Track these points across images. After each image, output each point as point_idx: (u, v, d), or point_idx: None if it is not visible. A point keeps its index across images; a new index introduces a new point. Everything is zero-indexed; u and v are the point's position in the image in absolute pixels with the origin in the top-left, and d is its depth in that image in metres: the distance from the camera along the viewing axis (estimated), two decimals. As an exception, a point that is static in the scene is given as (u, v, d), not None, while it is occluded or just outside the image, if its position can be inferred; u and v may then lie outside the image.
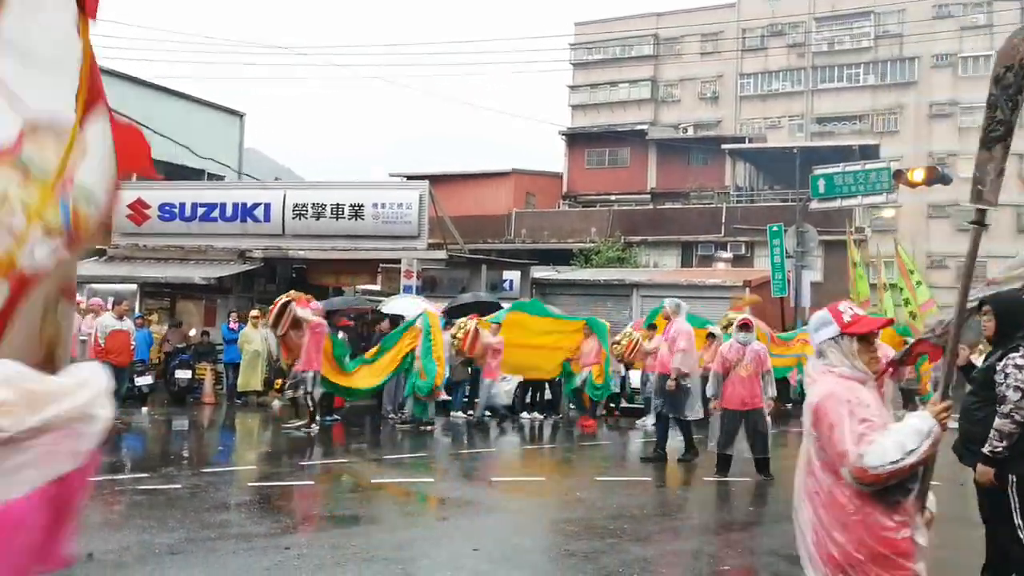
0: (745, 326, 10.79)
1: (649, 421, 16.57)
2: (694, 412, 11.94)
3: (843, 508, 3.23)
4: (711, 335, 16.83)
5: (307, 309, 14.00)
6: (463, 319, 16.34)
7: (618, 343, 17.54)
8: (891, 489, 3.18)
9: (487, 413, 16.80)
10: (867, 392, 3.32)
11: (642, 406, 17.34)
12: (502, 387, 17.64)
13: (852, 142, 41.49)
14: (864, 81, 52.45)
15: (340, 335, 15.89)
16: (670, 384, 11.58)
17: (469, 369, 17.02)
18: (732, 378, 10.51)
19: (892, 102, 51.51)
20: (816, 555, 3.37)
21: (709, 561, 6.56)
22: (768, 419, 10.67)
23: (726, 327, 16.64)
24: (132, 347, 14.87)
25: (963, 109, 49.90)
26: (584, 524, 7.81)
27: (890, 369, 7.49)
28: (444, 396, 16.44)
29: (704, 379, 14.65)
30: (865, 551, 3.19)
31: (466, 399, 17.11)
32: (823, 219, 29.98)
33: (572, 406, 17.15)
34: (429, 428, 14.66)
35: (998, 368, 5.24)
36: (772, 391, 11.16)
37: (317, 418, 13.87)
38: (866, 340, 3.42)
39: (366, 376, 15.13)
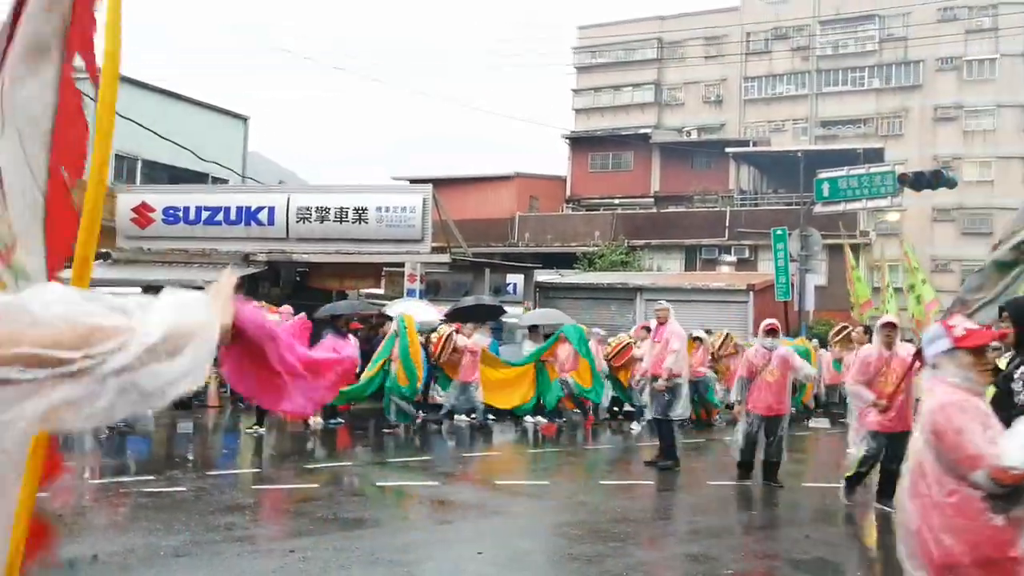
0: (772, 331, 10.57)
1: (635, 425, 16.60)
2: (679, 413, 11.89)
3: (957, 512, 3.35)
4: (698, 339, 16.85)
5: (274, 315, 13.94)
6: (443, 326, 16.35)
7: (608, 345, 17.59)
8: (1008, 496, 3.29)
9: (491, 416, 16.80)
10: (982, 402, 3.50)
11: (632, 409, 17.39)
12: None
13: (856, 145, 41.52)
14: (868, 84, 52.44)
15: None
16: (661, 384, 11.51)
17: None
18: (758, 383, 10.32)
19: (897, 105, 51.49)
20: (920, 554, 3.48)
21: (712, 565, 6.56)
22: (783, 426, 10.48)
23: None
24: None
25: (968, 112, 49.89)
26: (587, 528, 7.81)
27: (917, 364, 7.52)
28: (451, 399, 16.49)
29: (692, 383, 14.65)
30: (976, 555, 3.30)
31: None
32: (827, 223, 29.98)
33: (570, 416, 16.98)
34: (418, 421, 14.88)
35: (1016, 376, 5.18)
36: (810, 370, 10.93)
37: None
38: (978, 353, 3.57)
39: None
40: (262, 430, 13.45)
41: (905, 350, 8.60)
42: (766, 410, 10.25)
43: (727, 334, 18.70)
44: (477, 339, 16.43)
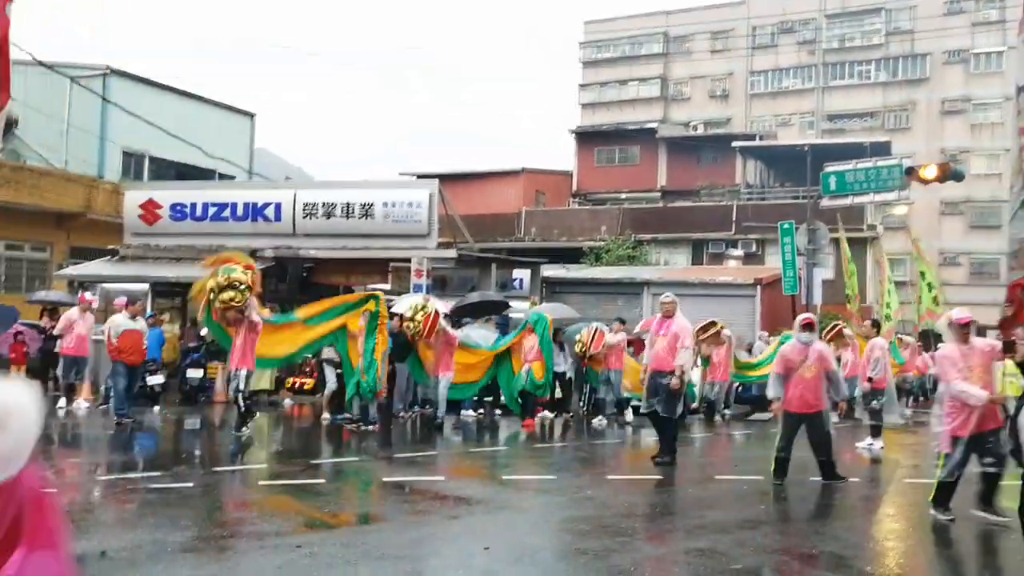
0: (808, 326, 10.18)
1: (603, 421, 16.26)
2: (680, 410, 11.66)
3: None
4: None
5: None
6: (418, 301, 15.22)
7: (580, 339, 17.17)
8: None
9: (499, 412, 16.78)
10: None
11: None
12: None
13: (863, 139, 41.37)
14: (875, 78, 52.30)
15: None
16: (675, 383, 11.21)
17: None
18: (795, 380, 9.96)
19: (904, 99, 51.36)
20: None
21: (720, 560, 6.54)
22: (831, 421, 10.14)
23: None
24: (145, 346, 14.92)
25: (975, 105, 49.74)
26: (595, 522, 7.79)
27: (1007, 340, 7.33)
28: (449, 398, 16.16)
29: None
30: None
31: (475, 397, 17.07)
32: (834, 216, 29.90)
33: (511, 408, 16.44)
34: (372, 429, 14.03)
35: None
36: (844, 391, 10.39)
37: (248, 424, 13.13)
38: None
39: (286, 342, 13.93)
40: (246, 430, 12.97)
41: (983, 343, 8.25)
42: (803, 407, 9.92)
43: (711, 322, 18.27)
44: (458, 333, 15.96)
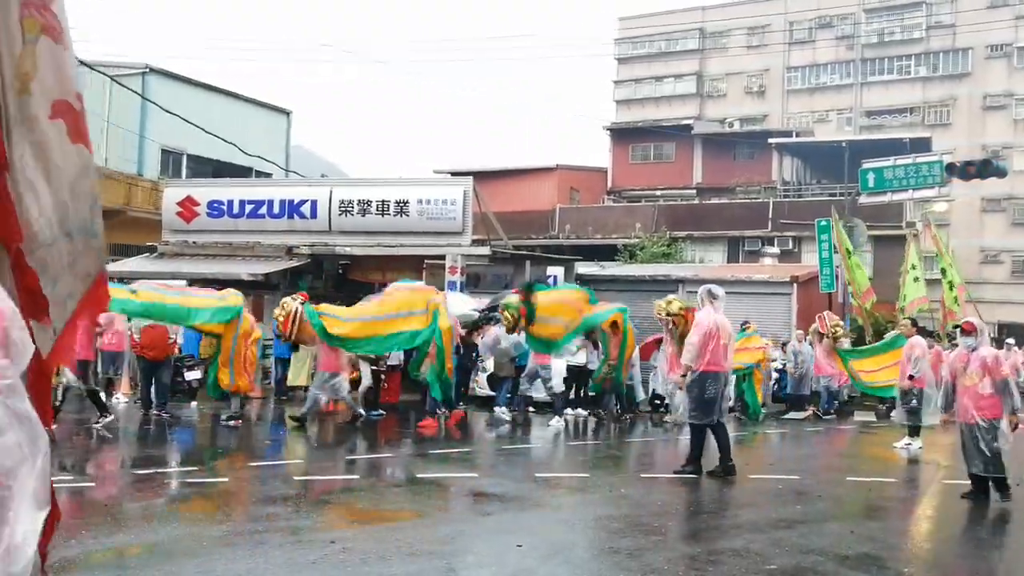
0: (966, 330, 9.57)
1: (556, 421, 15.22)
2: (710, 418, 10.86)
3: None
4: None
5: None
6: (287, 298, 14.32)
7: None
8: None
9: (531, 409, 16.70)
10: None
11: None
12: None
13: (903, 135, 40.88)
14: (915, 73, 51.59)
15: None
16: (677, 379, 10.59)
17: (513, 366, 16.92)
18: (959, 389, 9.45)
19: (944, 94, 50.61)
20: None
21: (755, 560, 6.48)
22: (1002, 435, 9.24)
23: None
24: (170, 342, 14.90)
25: (1018, 101, 48.92)
26: (628, 521, 7.77)
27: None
28: (313, 392, 15.08)
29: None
30: None
31: (509, 395, 17.04)
32: (873, 213, 29.59)
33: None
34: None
35: None
36: (1016, 401, 9.56)
37: (106, 417, 12.85)
38: None
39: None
40: (105, 420, 12.74)
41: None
42: (966, 417, 9.35)
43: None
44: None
